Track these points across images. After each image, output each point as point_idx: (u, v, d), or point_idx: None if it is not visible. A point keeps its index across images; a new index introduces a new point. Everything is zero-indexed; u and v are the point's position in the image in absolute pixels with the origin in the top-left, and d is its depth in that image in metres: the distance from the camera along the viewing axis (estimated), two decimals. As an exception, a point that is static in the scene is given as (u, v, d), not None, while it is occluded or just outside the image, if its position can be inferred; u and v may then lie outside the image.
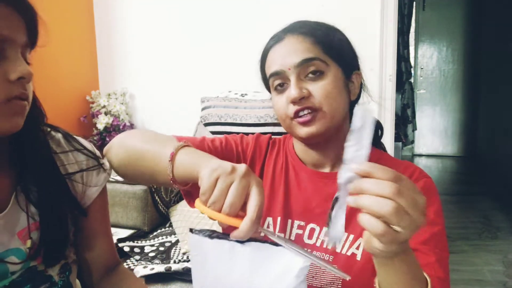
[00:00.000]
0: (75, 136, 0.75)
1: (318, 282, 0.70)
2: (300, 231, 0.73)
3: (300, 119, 0.68)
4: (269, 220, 0.76)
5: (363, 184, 0.43)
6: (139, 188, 1.67)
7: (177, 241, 1.57)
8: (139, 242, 1.61)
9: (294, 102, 0.68)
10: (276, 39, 0.71)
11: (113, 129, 2.31)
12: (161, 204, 1.75)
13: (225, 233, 0.55)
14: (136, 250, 1.55)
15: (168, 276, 1.37)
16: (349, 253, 0.70)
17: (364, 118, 0.47)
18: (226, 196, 0.49)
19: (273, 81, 0.71)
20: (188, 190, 0.68)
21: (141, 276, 1.38)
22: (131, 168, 0.68)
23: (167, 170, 0.60)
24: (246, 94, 2.06)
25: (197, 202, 0.53)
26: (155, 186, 1.72)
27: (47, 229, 0.66)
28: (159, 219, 1.75)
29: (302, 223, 0.74)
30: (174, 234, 1.64)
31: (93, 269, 0.78)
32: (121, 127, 2.33)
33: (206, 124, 2.02)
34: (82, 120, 2.32)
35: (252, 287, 0.53)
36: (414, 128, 3.91)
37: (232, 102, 2.01)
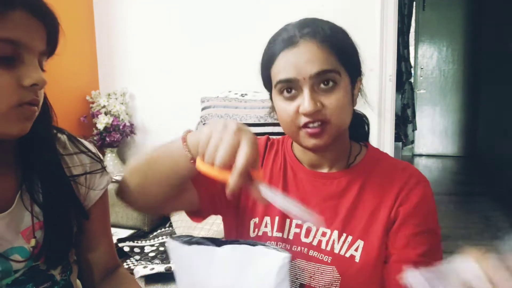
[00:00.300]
0: (79, 139, 0.76)
1: (316, 283, 0.70)
2: (298, 230, 0.73)
3: (310, 130, 0.66)
4: (267, 219, 0.75)
5: None
6: (139, 188, 1.67)
7: (177, 241, 1.57)
8: (139, 242, 1.61)
9: (306, 114, 0.66)
10: (289, 42, 0.66)
11: (113, 129, 2.31)
12: (161, 204, 1.75)
13: (204, 238, 0.55)
14: (136, 250, 1.55)
15: (168, 276, 1.37)
16: (347, 255, 0.69)
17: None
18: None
19: (281, 87, 0.68)
20: (194, 210, 0.72)
21: (141, 276, 1.38)
22: (148, 181, 0.66)
23: (183, 157, 0.60)
24: (246, 94, 2.06)
25: (198, 160, 0.56)
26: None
27: (51, 229, 0.66)
28: (159, 219, 1.75)
29: (299, 222, 0.74)
30: (174, 234, 1.64)
31: (94, 270, 0.78)
32: (121, 127, 2.33)
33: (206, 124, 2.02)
34: (82, 120, 2.32)
35: None
36: (414, 128, 3.91)
37: (232, 102, 2.01)
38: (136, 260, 1.48)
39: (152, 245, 1.58)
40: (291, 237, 0.73)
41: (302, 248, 0.72)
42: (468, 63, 5.16)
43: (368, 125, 0.83)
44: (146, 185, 0.67)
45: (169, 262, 1.42)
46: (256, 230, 0.76)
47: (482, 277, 0.40)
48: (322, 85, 0.66)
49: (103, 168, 0.76)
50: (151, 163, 0.66)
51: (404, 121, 3.76)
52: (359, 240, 0.69)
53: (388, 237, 0.69)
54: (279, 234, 0.74)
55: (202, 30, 2.28)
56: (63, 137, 0.73)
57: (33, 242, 0.65)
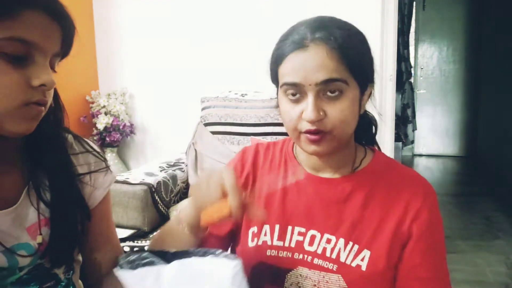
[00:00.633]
0: (84, 138, 0.77)
1: None
2: (301, 238, 0.71)
3: (310, 136, 0.65)
4: (266, 228, 0.74)
5: None
6: (139, 188, 1.67)
7: (177, 241, 1.57)
8: (139, 242, 1.61)
9: (308, 122, 0.65)
10: (299, 44, 0.64)
11: (113, 129, 2.31)
12: (161, 204, 1.75)
13: (153, 252, 0.55)
14: (136, 250, 1.55)
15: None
16: (353, 264, 0.68)
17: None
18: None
19: (287, 89, 0.67)
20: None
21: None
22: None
23: (186, 235, 0.67)
24: (246, 94, 2.06)
25: (202, 217, 0.62)
26: (155, 186, 1.72)
27: (57, 226, 0.67)
28: (159, 219, 1.75)
29: (303, 230, 0.72)
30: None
31: (101, 270, 0.78)
32: (121, 127, 2.33)
33: (206, 124, 2.02)
34: (82, 120, 2.32)
35: None
36: (414, 128, 3.90)
37: (232, 102, 2.01)
38: (136, 260, 1.48)
39: (152, 245, 1.58)
40: (293, 245, 0.71)
41: (306, 256, 0.70)
42: (468, 63, 5.16)
43: (376, 127, 0.81)
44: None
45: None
46: (256, 239, 0.74)
47: None
48: (328, 93, 0.64)
49: (108, 167, 0.77)
50: (163, 246, 0.68)
51: (404, 121, 3.75)
52: (365, 250, 0.68)
53: (403, 254, 0.69)
54: (280, 243, 0.72)
55: (202, 30, 2.28)
56: (69, 137, 0.74)
57: (39, 238, 0.65)
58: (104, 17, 2.44)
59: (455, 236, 2.80)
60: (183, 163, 2.03)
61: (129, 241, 1.61)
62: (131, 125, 2.41)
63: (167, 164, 1.98)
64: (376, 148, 0.80)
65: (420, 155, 5.47)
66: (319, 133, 0.65)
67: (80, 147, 0.74)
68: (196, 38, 2.30)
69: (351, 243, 0.68)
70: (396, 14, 1.98)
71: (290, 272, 0.70)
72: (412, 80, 4.01)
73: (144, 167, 1.93)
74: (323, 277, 0.68)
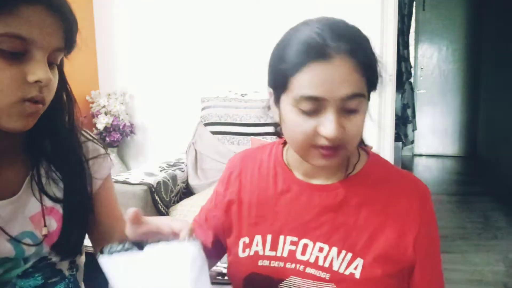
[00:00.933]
0: (83, 129, 0.79)
1: None
2: (293, 247, 0.69)
3: (324, 152, 0.62)
4: (258, 238, 0.72)
5: None
6: (139, 188, 1.67)
7: (177, 241, 1.58)
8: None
9: (328, 139, 0.60)
10: (321, 53, 0.58)
11: (113, 129, 2.31)
12: (161, 204, 1.75)
13: (132, 242, 0.56)
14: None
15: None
16: (347, 273, 0.66)
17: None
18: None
19: (303, 101, 0.60)
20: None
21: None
22: None
23: None
24: (246, 94, 2.06)
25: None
26: (155, 186, 1.72)
27: (69, 215, 0.69)
28: (159, 219, 1.75)
29: (295, 239, 0.70)
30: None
31: None
32: (121, 127, 2.33)
33: (206, 124, 2.02)
34: (82, 120, 2.32)
35: None
36: (414, 128, 3.91)
37: (232, 102, 2.01)
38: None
39: (152, 245, 1.58)
40: (285, 254, 0.70)
41: (298, 265, 0.68)
42: (468, 63, 5.16)
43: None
44: None
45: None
46: (247, 249, 0.72)
47: None
48: (347, 108, 0.60)
49: (106, 153, 0.78)
50: None
51: (404, 121, 3.76)
52: (358, 258, 0.66)
53: (413, 272, 0.68)
54: (272, 253, 0.70)
55: (202, 30, 2.29)
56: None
57: (44, 230, 0.66)
58: (104, 17, 2.45)
59: (454, 236, 2.80)
60: (183, 163, 2.04)
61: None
62: (131, 125, 2.41)
63: (167, 164, 1.98)
64: (369, 148, 0.77)
65: (420, 155, 5.47)
66: (334, 148, 0.62)
67: (81, 137, 0.76)
68: (196, 38, 2.30)
69: (344, 252, 0.67)
70: (396, 14, 1.98)
71: (283, 282, 0.69)
72: (412, 80, 4.02)
73: (144, 167, 1.93)
74: (316, 286, 0.67)
